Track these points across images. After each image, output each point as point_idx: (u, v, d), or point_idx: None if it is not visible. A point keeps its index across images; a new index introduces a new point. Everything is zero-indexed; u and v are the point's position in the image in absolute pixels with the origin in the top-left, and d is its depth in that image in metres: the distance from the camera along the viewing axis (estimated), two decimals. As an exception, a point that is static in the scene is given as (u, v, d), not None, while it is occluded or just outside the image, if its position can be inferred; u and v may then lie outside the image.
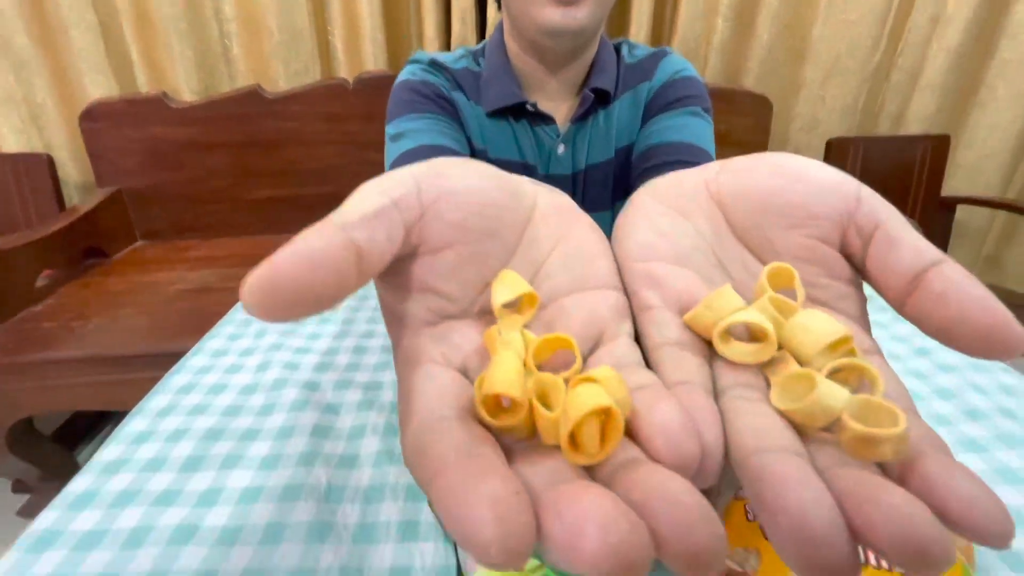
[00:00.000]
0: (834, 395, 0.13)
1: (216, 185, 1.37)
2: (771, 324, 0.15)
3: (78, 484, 0.32)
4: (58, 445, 1.10)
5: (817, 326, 0.15)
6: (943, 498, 0.11)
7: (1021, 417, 0.38)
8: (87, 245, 1.24)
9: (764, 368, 0.16)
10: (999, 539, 0.10)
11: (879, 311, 0.53)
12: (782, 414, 0.14)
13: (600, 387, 0.13)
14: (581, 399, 0.13)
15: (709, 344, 0.16)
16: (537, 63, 0.58)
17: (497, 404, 0.14)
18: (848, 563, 0.10)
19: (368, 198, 0.16)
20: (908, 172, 1.52)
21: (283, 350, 0.47)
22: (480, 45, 0.63)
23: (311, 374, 0.44)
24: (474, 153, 0.61)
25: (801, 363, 0.15)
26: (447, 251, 0.17)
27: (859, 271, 0.18)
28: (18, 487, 1.14)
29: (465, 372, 0.16)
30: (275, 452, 0.35)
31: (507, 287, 0.17)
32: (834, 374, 0.15)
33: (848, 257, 0.18)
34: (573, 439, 0.13)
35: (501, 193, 0.19)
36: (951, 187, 1.55)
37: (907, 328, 0.50)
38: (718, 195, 0.20)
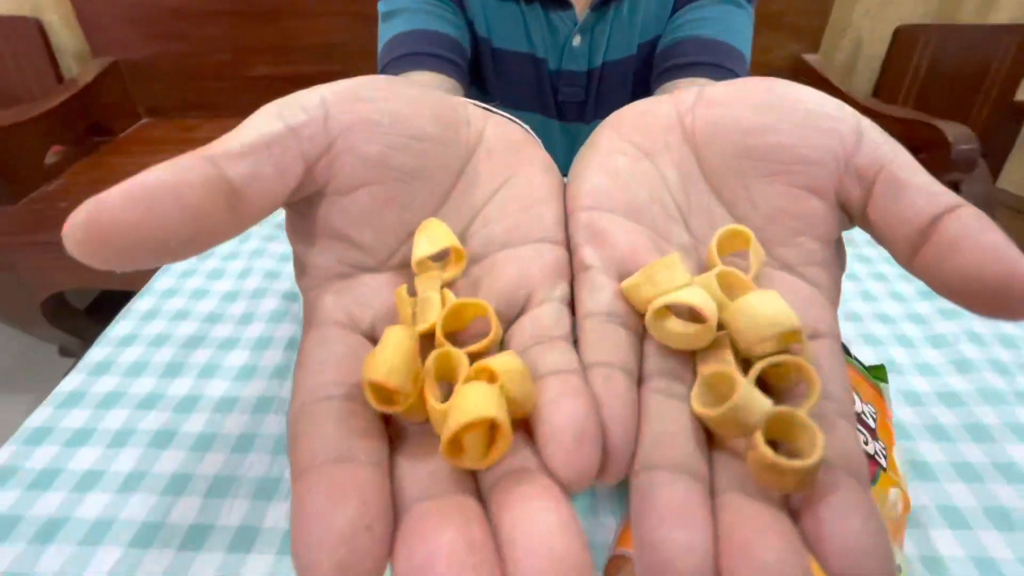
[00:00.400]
0: (752, 406, 0.12)
1: (215, 60, 1.29)
2: (713, 307, 0.13)
3: (67, 384, 0.35)
4: (90, 318, 1.18)
5: (763, 313, 0.13)
6: (825, 553, 0.10)
7: (1013, 372, 0.36)
8: (91, 121, 1.22)
9: (698, 354, 0.14)
10: None
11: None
12: (697, 415, 0.13)
13: (490, 390, 0.11)
14: (467, 404, 0.11)
15: (643, 318, 0.15)
16: None
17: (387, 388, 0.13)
18: None
19: (261, 123, 0.13)
20: (983, 70, 1.33)
21: (265, 256, 0.47)
22: None
23: (291, 284, 0.44)
24: (476, 41, 0.55)
25: (739, 352, 0.13)
26: (361, 191, 0.15)
27: (858, 222, 0.15)
28: (64, 352, 1.25)
29: (372, 336, 0.14)
30: (251, 363, 0.36)
31: (430, 239, 0.15)
32: (774, 368, 0.13)
33: (845, 206, 0.15)
34: (457, 441, 0.12)
35: (435, 124, 0.16)
36: (1029, 91, 1.37)
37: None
38: (692, 132, 0.17)
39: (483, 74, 0.58)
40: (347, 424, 0.12)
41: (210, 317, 0.40)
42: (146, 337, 0.38)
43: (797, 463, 0.10)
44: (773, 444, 0.12)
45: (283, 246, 0.49)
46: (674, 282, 0.13)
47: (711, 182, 0.17)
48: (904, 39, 1.31)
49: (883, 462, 0.23)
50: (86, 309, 1.25)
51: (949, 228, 0.12)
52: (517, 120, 0.20)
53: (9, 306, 1.01)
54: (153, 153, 1.20)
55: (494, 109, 0.20)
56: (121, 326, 0.40)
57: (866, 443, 0.23)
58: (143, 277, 0.46)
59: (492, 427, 0.12)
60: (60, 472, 0.29)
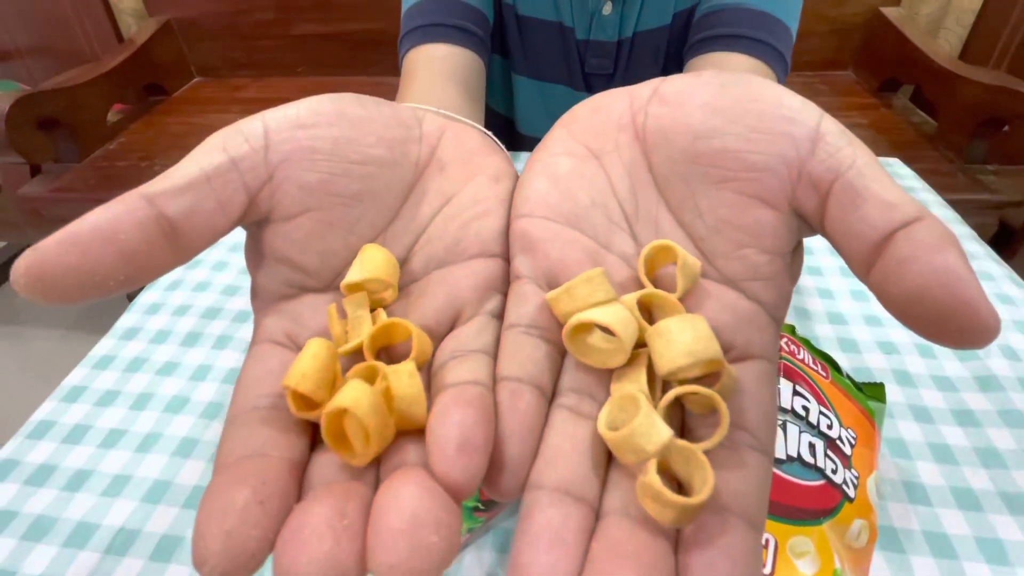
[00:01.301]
0: (651, 434, 0.11)
1: (261, 18, 1.30)
2: (631, 327, 0.13)
3: (100, 348, 0.38)
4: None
5: (681, 340, 0.12)
6: None
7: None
8: (148, 80, 1.27)
9: (615, 372, 0.14)
10: None
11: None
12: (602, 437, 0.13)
13: (362, 387, 0.12)
14: (337, 396, 0.12)
15: None
16: None
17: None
18: None
19: (204, 156, 0.14)
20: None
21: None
22: None
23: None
24: (500, 6, 0.53)
25: (655, 375, 0.13)
26: (302, 218, 0.15)
27: (820, 232, 0.14)
28: (130, 298, 1.36)
29: None
30: (260, 337, 0.39)
31: (362, 265, 0.15)
32: (693, 395, 0.13)
33: (802, 216, 0.14)
34: (344, 436, 0.13)
35: (379, 146, 0.16)
36: None
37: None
38: (643, 132, 0.16)
39: (507, 43, 0.56)
40: (265, 427, 0.13)
41: (228, 290, 0.43)
42: (170, 307, 0.41)
43: (679, 499, 0.10)
44: (670, 474, 0.12)
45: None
46: (594, 298, 0.13)
47: (660, 187, 0.16)
48: (1005, -9, 1.14)
49: (851, 492, 0.22)
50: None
51: (900, 245, 0.11)
52: (478, 127, 0.20)
53: (80, 256, 1.10)
54: (204, 112, 1.25)
55: (456, 116, 0.19)
56: (149, 295, 0.43)
57: (834, 471, 0.22)
58: None
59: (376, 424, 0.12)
60: (90, 428, 0.33)
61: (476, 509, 0.25)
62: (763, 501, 0.12)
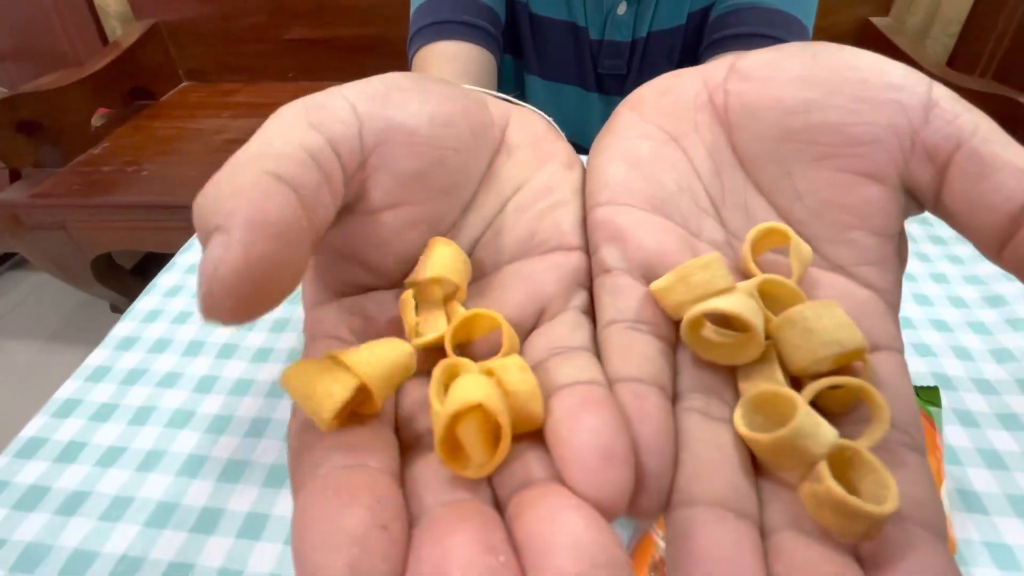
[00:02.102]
0: (816, 435, 0.10)
1: (252, 22, 1.28)
2: (759, 316, 0.11)
3: (95, 358, 0.36)
4: (138, 277, 1.23)
5: (821, 328, 0.11)
6: None
7: None
8: (134, 84, 1.24)
9: (739, 370, 0.12)
10: None
11: (957, 242, 0.45)
12: (744, 440, 0.11)
13: (484, 380, 0.10)
14: (456, 393, 0.10)
15: (677, 325, 0.13)
16: None
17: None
18: None
19: (297, 134, 0.11)
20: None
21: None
22: None
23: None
24: (513, 6, 0.52)
25: (788, 370, 0.12)
26: (388, 213, 0.13)
27: (931, 208, 0.13)
28: (115, 309, 1.31)
29: None
30: (268, 345, 0.36)
31: (431, 264, 0.13)
32: (831, 390, 0.11)
33: (913, 191, 0.13)
34: (456, 445, 0.11)
35: (470, 130, 0.14)
36: None
37: (987, 268, 0.42)
38: (724, 111, 0.15)
39: (520, 42, 0.55)
40: (353, 434, 0.11)
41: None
42: (170, 314, 0.39)
43: (873, 508, 0.09)
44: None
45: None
46: (714, 285, 0.12)
47: (748, 169, 0.15)
48: (984, 2, 1.17)
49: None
50: (132, 269, 1.30)
51: None
52: (538, 111, 0.18)
53: (63, 265, 1.06)
54: (193, 118, 1.22)
55: (515, 100, 0.18)
56: (147, 301, 0.40)
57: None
58: (177, 240, 0.47)
59: (495, 435, 0.10)
60: (85, 445, 0.30)
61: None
62: (939, 506, 0.10)
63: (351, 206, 0.13)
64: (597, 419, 0.10)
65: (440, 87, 0.14)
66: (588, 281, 0.14)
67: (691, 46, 0.51)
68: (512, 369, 0.11)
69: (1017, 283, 0.40)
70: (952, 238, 0.45)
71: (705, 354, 0.12)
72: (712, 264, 0.12)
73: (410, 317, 0.13)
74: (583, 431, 0.10)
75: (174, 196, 0.98)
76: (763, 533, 0.10)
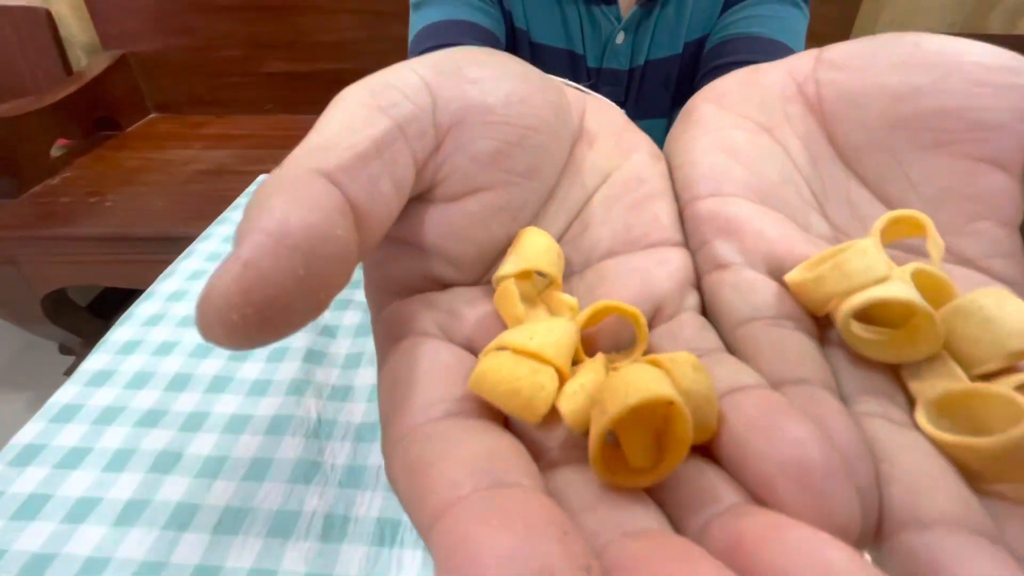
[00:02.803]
0: None
1: (227, 55, 1.26)
2: (926, 304, 0.10)
3: (62, 395, 0.31)
4: (93, 315, 1.15)
5: (1007, 317, 0.10)
6: None
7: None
8: (99, 115, 1.19)
9: (905, 370, 0.11)
10: None
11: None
12: (945, 447, 0.09)
13: (660, 373, 0.08)
14: (628, 385, 0.08)
15: (818, 322, 0.11)
16: None
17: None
18: None
19: (362, 121, 0.10)
20: (1013, 82, 1.30)
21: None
22: None
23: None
24: (513, 33, 0.52)
25: (964, 368, 0.10)
26: (469, 200, 0.12)
27: None
28: (64, 350, 1.21)
29: (471, 349, 0.11)
30: (265, 376, 0.33)
31: (521, 254, 0.12)
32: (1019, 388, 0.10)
33: None
34: (610, 449, 0.09)
35: (548, 107, 0.13)
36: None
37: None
38: (817, 101, 0.14)
39: None
40: (486, 438, 0.09)
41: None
42: (150, 345, 0.35)
43: None
44: None
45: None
46: (874, 272, 0.10)
47: (848, 160, 0.14)
48: (931, 49, 1.28)
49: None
50: (87, 306, 1.22)
51: None
52: (612, 103, 0.17)
53: (9, 302, 0.98)
54: (161, 149, 1.17)
55: (587, 90, 0.17)
56: (123, 332, 0.36)
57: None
58: (140, 274, 0.44)
59: (660, 430, 0.09)
60: (50, 498, 0.26)
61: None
62: None
63: (427, 193, 0.12)
64: (799, 429, 0.08)
65: (515, 63, 0.13)
66: (697, 281, 0.13)
67: (687, 74, 0.52)
68: (685, 366, 0.09)
69: None
70: None
71: (868, 351, 0.10)
72: (870, 251, 0.10)
73: (517, 308, 0.11)
74: (786, 443, 0.08)
75: (140, 227, 0.92)
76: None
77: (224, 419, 0.30)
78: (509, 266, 0.11)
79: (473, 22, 0.46)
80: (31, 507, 0.25)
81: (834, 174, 0.14)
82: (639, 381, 0.08)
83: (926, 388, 0.10)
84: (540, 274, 0.12)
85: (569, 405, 0.08)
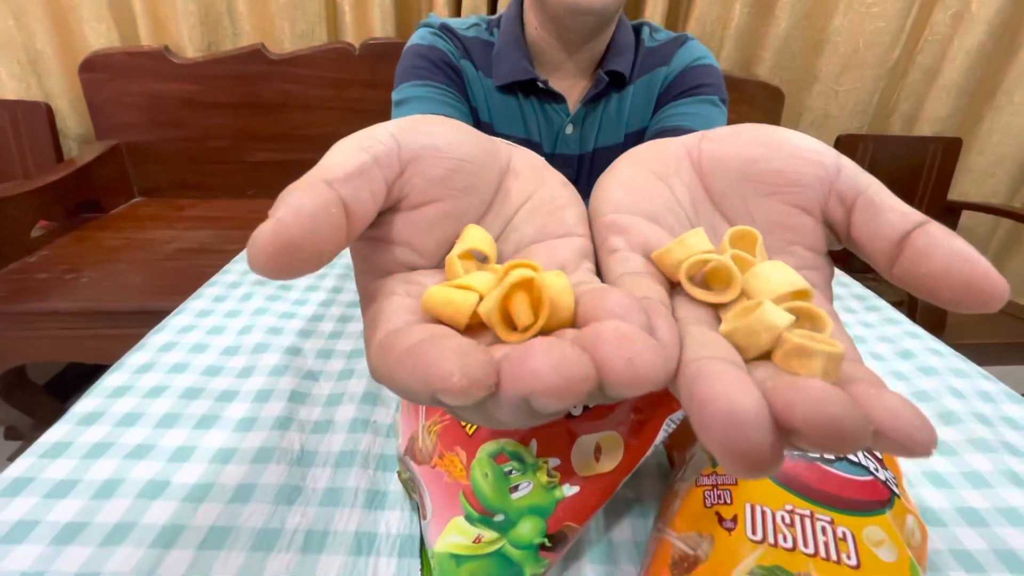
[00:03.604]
0: (778, 315, 0.13)
1: (216, 145, 1.35)
2: (737, 269, 0.16)
3: (53, 434, 0.33)
4: (50, 395, 1.11)
5: (776, 275, 0.15)
6: (869, 407, 0.12)
7: (995, 423, 0.38)
8: (84, 198, 1.24)
9: (719, 310, 0.16)
10: (922, 447, 0.11)
11: (868, 311, 0.53)
12: (728, 338, 0.14)
13: (534, 272, 0.14)
14: (511, 276, 0.14)
15: (672, 286, 0.17)
16: (555, 40, 0.57)
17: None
18: (771, 452, 0.11)
19: (350, 155, 0.16)
20: (916, 173, 1.50)
21: (267, 315, 0.47)
22: (496, 16, 0.62)
23: (294, 339, 0.44)
24: (479, 125, 0.61)
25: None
26: (427, 207, 0.17)
27: (844, 241, 0.18)
28: (10, 434, 1.15)
29: None
30: (251, 415, 0.35)
31: (463, 240, 0.17)
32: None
33: (831, 226, 0.18)
34: (508, 318, 0.14)
35: (479, 149, 0.19)
36: (959, 191, 1.53)
37: (895, 329, 0.50)
38: (698, 162, 0.20)
39: None
40: (433, 328, 0.14)
41: (209, 370, 0.40)
42: (140, 390, 0.37)
43: (824, 345, 0.12)
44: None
45: (286, 306, 0.49)
46: (703, 246, 0.16)
47: (715, 202, 0.20)
48: (846, 146, 1.48)
49: (896, 489, 0.23)
50: (45, 385, 1.18)
51: (920, 239, 0.15)
52: (533, 152, 0.23)
53: (-38, 381, 0.95)
54: (142, 230, 1.21)
55: (515, 144, 0.23)
56: (114, 378, 0.38)
57: (876, 469, 0.24)
58: (111, 349, 0.45)
59: (534, 300, 0.14)
60: (37, 523, 0.27)
61: (542, 548, 0.23)
62: (876, 377, 0.14)
63: (396, 205, 0.17)
64: (621, 294, 0.14)
65: (457, 124, 0.20)
66: (594, 257, 0.19)
67: None
68: (552, 271, 0.14)
69: (922, 339, 0.48)
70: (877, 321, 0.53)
71: (701, 296, 0.16)
72: (701, 233, 0.16)
73: (457, 271, 0.16)
74: (613, 298, 0.14)
75: (115, 302, 0.94)
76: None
77: (211, 452, 0.32)
78: (455, 249, 0.17)
79: (446, 115, 0.54)
80: (20, 531, 0.26)
81: (706, 210, 0.20)
82: (520, 274, 0.13)
83: (728, 314, 0.15)
84: (479, 255, 0.17)
85: (484, 307, 0.13)
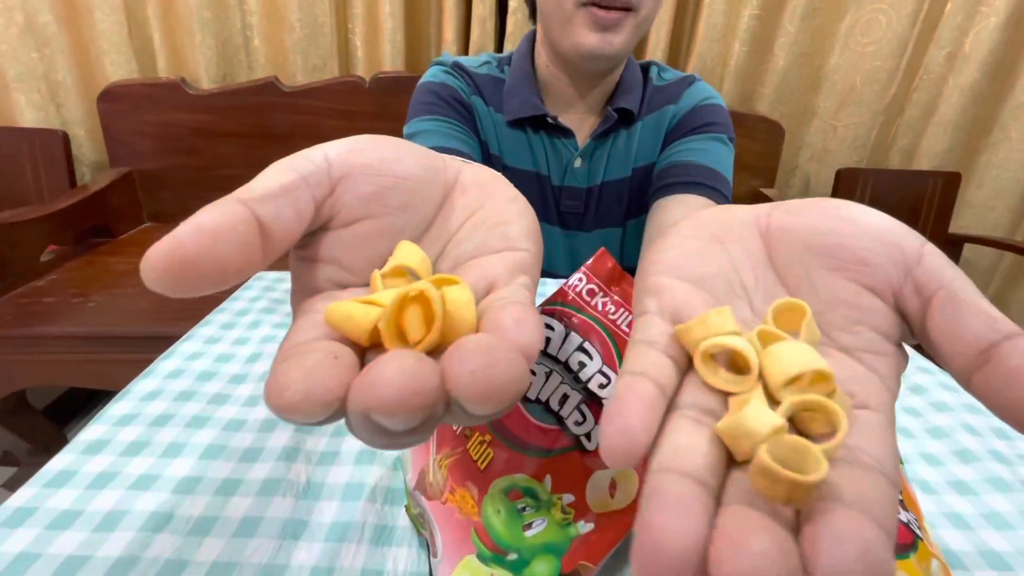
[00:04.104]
0: (762, 419, 0.12)
1: (226, 173, 1.38)
2: (755, 356, 0.14)
3: (57, 463, 0.32)
4: (49, 420, 1.10)
5: (790, 355, 0.14)
6: (811, 571, 0.11)
7: (1012, 461, 0.37)
8: (94, 223, 1.25)
9: (731, 398, 0.14)
10: None
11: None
12: (721, 437, 0.13)
13: (426, 284, 0.14)
14: (401, 290, 0.14)
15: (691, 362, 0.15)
16: (566, 79, 0.58)
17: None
18: None
19: (276, 175, 0.16)
20: (917, 207, 1.51)
21: (275, 342, 0.47)
22: (507, 54, 0.64)
23: (301, 368, 0.44)
24: (488, 159, 0.62)
25: (769, 396, 0.14)
26: (357, 225, 0.17)
27: (915, 334, 0.16)
28: (6, 460, 1.14)
29: None
30: (257, 445, 0.35)
31: (395, 256, 0.17)
32: (805, 413, 0.13)
33: (904, 316, 0.16)
34: (397, 330, 0.14)
35: (418, 166, 0.19)
36: (960, 224, 1.54)
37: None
38: (766, 229, 0.19)
39: None
40: (330, 345, 0.14)
41: (216, 398, 0.39)
42: (147, 417, 0.37)
43: (789, 474, 0.11)
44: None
45: (293, 333, 0.49)
46: (725, 328, 0.14)
47: (779, 271, 0.18)
48: (845, 180, 1.50)
49: (918, 532, 0.23)
50: (43, 410, 1.17)
51: (1010, 356, 0.13)
52: (488, 168, 0.23)
53: (-37, 404, 0.94)
54: (151, 254, 1.22)
55: (469, 161, 0.23)
56: (120, 406, 0.38)
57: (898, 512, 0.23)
58: (114, 374, 0.44)
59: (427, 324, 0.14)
60: (38, 556, 0.26)
61: (557, 590, 0.22)
62: (893, 509, 0.12)
63: (327, 224, 0.17)
64: (517, 308, 0.14)
65: (395, 141, 0.20)
66: (533, 271, 0.18)
67: (637, 193, 0.63)
68: (454, 288, 0.14)
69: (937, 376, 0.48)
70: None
71: (710, 381, 0.14)
72: (726, 312, 0.15)
73: (378, 286, 0.16)
74: (509, 312, 0.14)
75: (121, 327, 0.94)
76: (719, 504, 0.12)
77: (216, 483, 0.32)
78: (386, 267, 0.17)
79: (454, 148, 0.56)
80: (21, 565, 0.26)
81: (766, 277, 0.18)
82: (414, 287, 0.13)
83: (733, 403, 0.14)
84: (412, 272, 0.17)
85: (380, 321, 0.13)
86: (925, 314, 0.15)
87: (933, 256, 0.16)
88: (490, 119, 0.61)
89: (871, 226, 0.17)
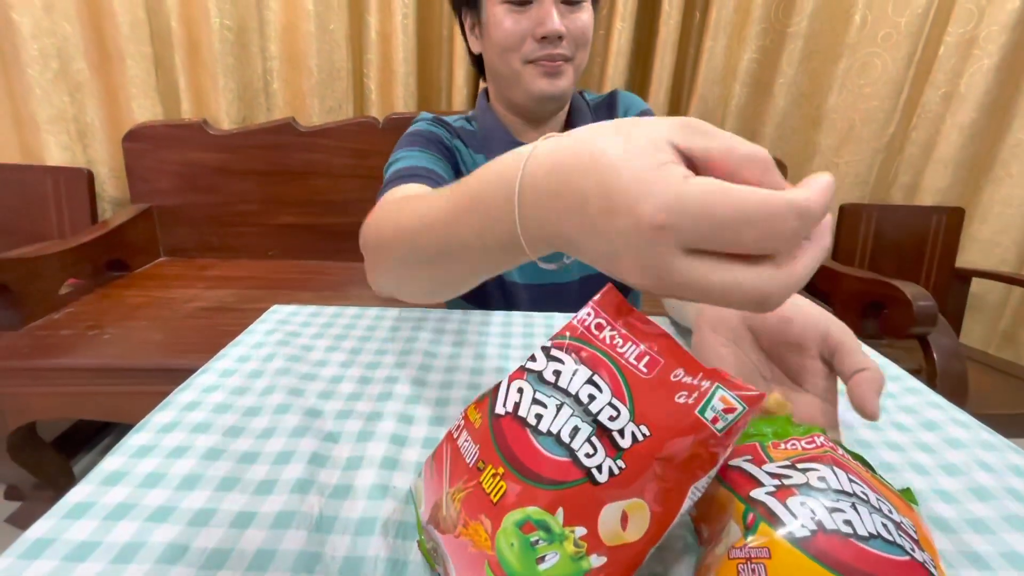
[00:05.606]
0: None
1: (243, 209, 1.42)
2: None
3: (76, 494, 0.33)
4: (57, 453, 1.10)
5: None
6: None
7: (1030, 501, 0.37)
8: (112, 257, 1.29)
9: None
10: None
11: (890, 380, 0.53)
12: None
13: None
14: None
15: None
16: (523, 120, 0.70)
17: None
18: None
19: None
20: (922, 241, 1.52)
21: (289, 375, 0.48)
22: (471, 112, 0.75)
23: (314, 401, 0.44)
24: None
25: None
26: None
27: (831, 368, 0.34)
28: (11, 494, 1.13)
29: None
30: (271, 477, 0.35)
31: None
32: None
33: (827, 363, 0.34)
34: None
35: None
36: (967, 259, 1.55)
37: (916, 399, 0.50)
38: (751, 327, 0.38)
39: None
40: None
41: (231, 431, 0.40)
42: (164, 449, 0.38)
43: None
44: None
45: (307, 367, 0.50)
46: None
47: (766, 353, 0.38)
48: (850, 216, 1.52)
49: (934, 572, 0.23)
50: (53, 443, 1.17)
51: (860, 379, 0.31)
52: None
53: (-27, 437, 0.95)
54: (166, 287, 1.25)
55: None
56: (138, 437, 0.39)
57: (912, 551, 0.23)
58: (126, 406, 0.45)
59: None
60: (56, 589, 0.27)
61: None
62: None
63: None
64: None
65: None
66: None
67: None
68: None
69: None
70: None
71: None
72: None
73: None
74: None
75: (135, 359, 0.95)
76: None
77: (231, 515, 0.32)
78: None
79: (433, 169, 0.62)
80: (37, 597, 0.26)
81: (761, 360, 0.37)
82: None
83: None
84: None
85: None
86: (832, 359, 0.34)
87: (834, 326, 0.34)
88: (471, 157, 0.70)
89: (803, 318, 0.35)
